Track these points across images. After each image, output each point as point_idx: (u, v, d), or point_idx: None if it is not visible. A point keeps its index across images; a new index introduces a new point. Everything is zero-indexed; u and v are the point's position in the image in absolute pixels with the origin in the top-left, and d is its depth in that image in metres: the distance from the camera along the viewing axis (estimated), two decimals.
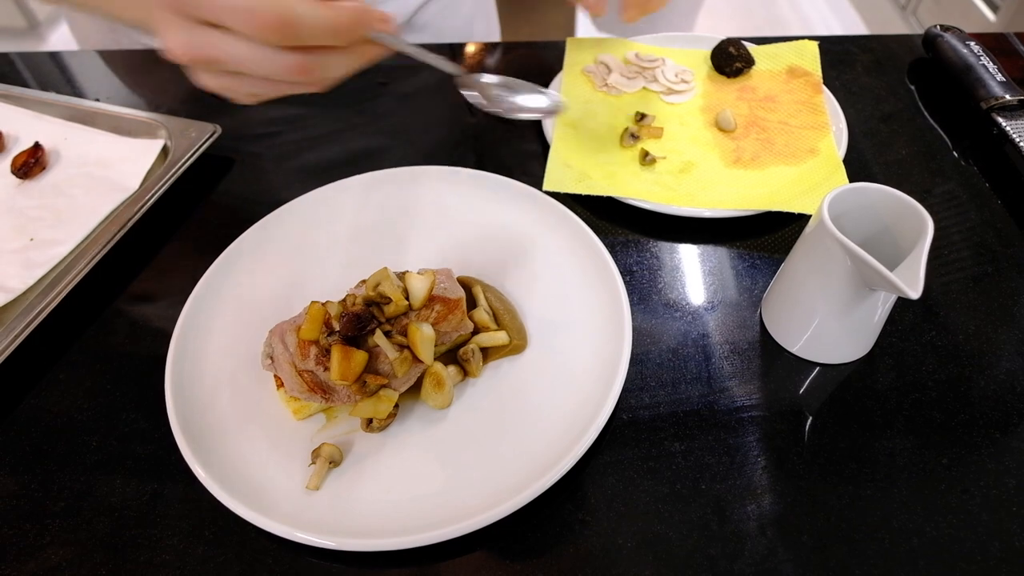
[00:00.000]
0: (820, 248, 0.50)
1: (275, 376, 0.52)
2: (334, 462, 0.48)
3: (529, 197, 0.65)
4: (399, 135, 0.78)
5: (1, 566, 0.47)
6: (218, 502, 0.46)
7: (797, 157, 0.70)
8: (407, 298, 0.50)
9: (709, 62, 0.82)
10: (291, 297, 0.59)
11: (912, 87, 0.81)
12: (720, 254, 0.65)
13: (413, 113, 0.80)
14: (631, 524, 0.48)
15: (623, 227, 0.67)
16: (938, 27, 0.82)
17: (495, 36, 1.11)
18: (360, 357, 0.48)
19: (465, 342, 0.54)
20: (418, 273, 0.51)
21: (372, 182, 0.67)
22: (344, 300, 0.50)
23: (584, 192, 0.67)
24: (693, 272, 0.63)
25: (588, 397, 0.51)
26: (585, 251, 0.60)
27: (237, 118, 0.77)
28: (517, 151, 0.76)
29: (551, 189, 0.67)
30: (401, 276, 0.52)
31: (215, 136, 0.72)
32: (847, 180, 0.66)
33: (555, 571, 0.45)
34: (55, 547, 0.47)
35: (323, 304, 0.50)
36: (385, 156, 0.75)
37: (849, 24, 2.70)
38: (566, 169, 0.69)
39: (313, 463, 0.48)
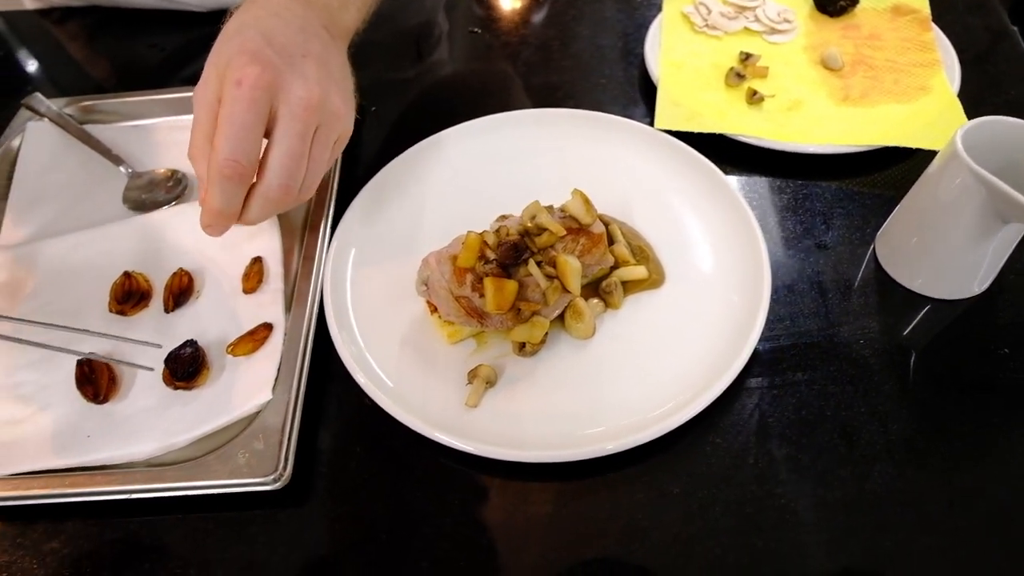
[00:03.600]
0: (950, 182, 0.52)
1: (427, 302, 0.55)
2: (490, 382, 0.52)
3: (646, 136, 0.66)
4: (510, 79, 0.79)
5: None
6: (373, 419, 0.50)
7: (908, 95, 0.71)
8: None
9: (811, 1, 0.81)
10: (432, 228, 0.62)
11: (1015, 28, 0.81)
12: (830, 192, 0.66)
13: (514, 60, 0.81)
14: (761, 446, 0.51)
15: (731, 165, 0.68)
16: None
17: None
18: (511, 287, 0.51)
19: (604, 276, 0.57)
20: (571, 200, 0.54)
21: (495, 124, 0.69)
22: (498, 231, 0.53)
23: (695, 129, 0.68)
24: (804, 210, 0.65)
25: (728, 329, 0.53)
26: (710, 187, 0.62)
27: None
28: (618, 93, 0.77)
29: (663, 127, 0.68)
30: (548, 210, 0.54)
31: None
32: (965, 117, 0.67)
33: (690, 488, 0.49)
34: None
35: (480, 234, 0.52)
36: (497, 102, 0.77)
37: None
38: (675, 107, 0.70)
39: (470, 383, 0.52)
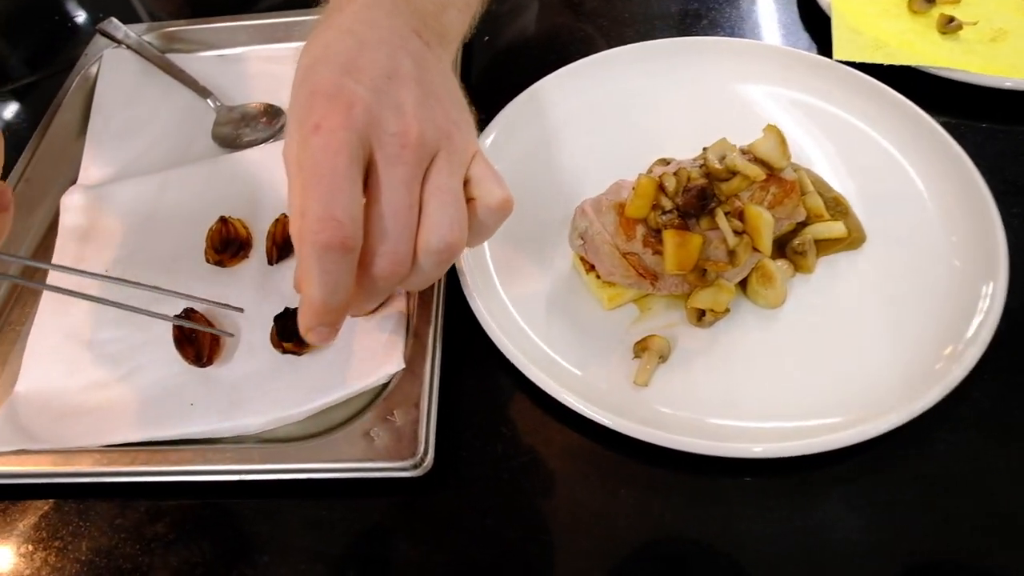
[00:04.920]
0: None
1: (581, 259, 0.46)
2: (663, 357, 0.43)
3: (825, 69, 0.56)
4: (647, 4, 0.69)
5: None
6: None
7: None
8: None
9: None
10: (574, 172, 0.53)
11: None
12: None
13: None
14: (1014, 447, 0.41)
15: (925, 107, 0.57)
16: None
17: None
18: (695, 242, 0.41)
19: (790, 234, 0.47)
20: (762, 139, 0.44)
21: (642, 53, 0.59)
22: (677, 173, 0.43)
23: (883, 61, 0.57)
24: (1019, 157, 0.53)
25: (952, 300, 0.43)
26: (912, 129, 0.51)
27: None
28: (773, 22, 0.66)
29: (843, 58, 0.57)
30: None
31: None
32: None
33: (925, 496, 0.40)
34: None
35: (657, 177, 0.43)
36: (633, 32, 0.66)
37: None
38: (855, 36, 0.59)
39: (638, 357, 0.43)
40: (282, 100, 0.60)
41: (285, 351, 0.45)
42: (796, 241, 0.46)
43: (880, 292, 0.45)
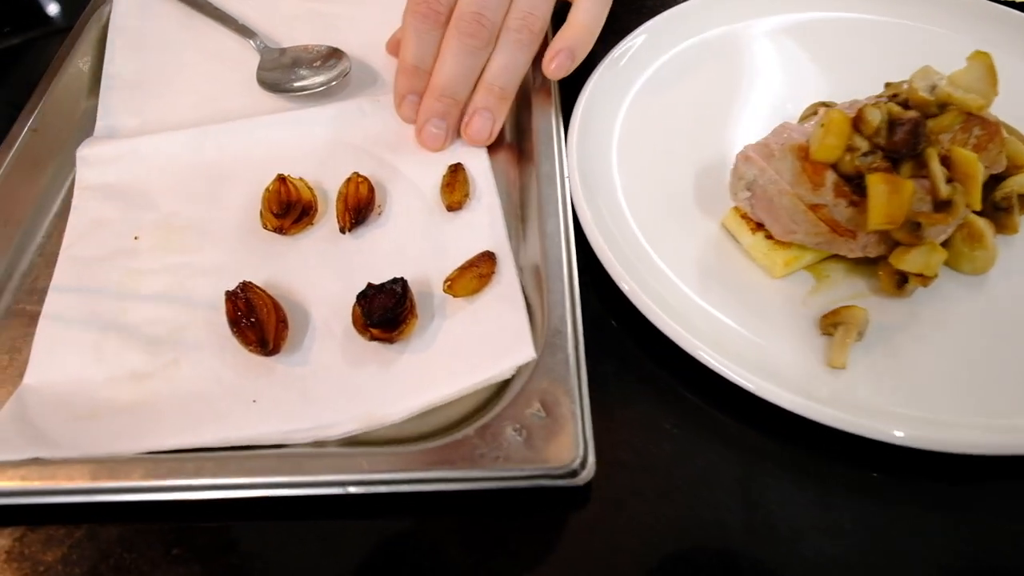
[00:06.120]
0: None
1: (742, 217, 0.38)
2: (860, 333, 0.35)
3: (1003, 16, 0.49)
4: None
5: None
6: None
7: None
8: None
9: None
10: (715, 114, 0.45)
11: None
12: None
13: None
14: None
15: None
16: None
17: None
18: (908, 188, 0.33)
19: (987, 187, 0.39)
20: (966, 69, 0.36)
21: None
22: (878, 106, 0.35)
23: None
24: None
25: None
26: None
27: None
28: None
29: None
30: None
31: None
32: None
33: None
34: None
35: (854, 113, 0.34)
36: None
37: None
38: None
39: (828, 334, 0.35)
40: (337, 42, 0.51)
41: (373, 338, 0.36)
42: (999, 194, 0.38)
43: None
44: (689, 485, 0.32)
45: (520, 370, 0.34)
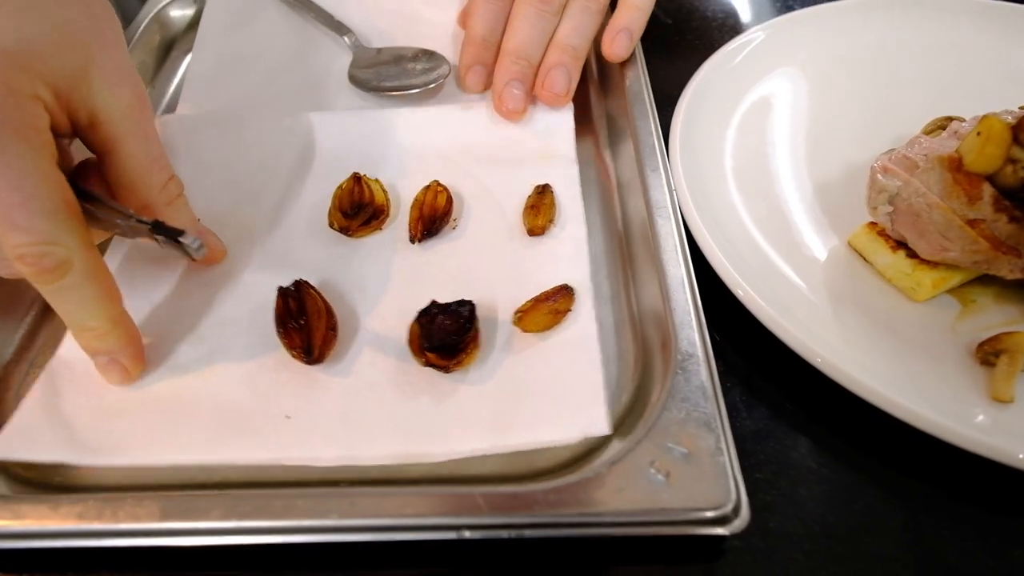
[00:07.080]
0: None
1: (879, 234, 0.35)
2: None
3: None
4: None
5: None
6: None
7: None
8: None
9: None
10: (828, 124, 0.43)
11: None
12: None
13: None
14: None
15: None
16: None
17: None
18: None
19: None
20: None
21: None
22: None
23: None
24: None
25: None
26: None
27: None
28: None
29: None
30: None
31: None
32: None
33: None
34: None
35: (1014, 121, 0.31)
36: None
37: None
38: None
39: (988, 363, 0.31)
40: (440, 46, 0.48)
41: (428, 363, 0.32)
42: None
43: None
44: (848, 532, 0.28)
45: (649, 399, 0.30)
